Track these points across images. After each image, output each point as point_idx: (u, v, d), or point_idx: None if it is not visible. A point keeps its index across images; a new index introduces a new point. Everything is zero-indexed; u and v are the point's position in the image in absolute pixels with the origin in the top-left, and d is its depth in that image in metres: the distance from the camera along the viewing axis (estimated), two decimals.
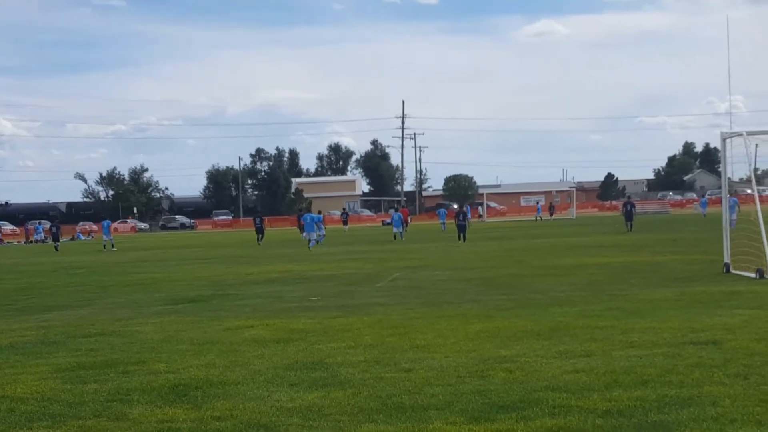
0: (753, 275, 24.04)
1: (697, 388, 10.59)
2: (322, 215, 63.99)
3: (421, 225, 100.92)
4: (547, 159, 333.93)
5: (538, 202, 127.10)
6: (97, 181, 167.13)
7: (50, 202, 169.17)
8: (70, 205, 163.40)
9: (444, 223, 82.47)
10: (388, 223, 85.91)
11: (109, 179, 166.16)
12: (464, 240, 55.93)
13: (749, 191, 28.01)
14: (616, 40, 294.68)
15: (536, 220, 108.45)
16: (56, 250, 70.68)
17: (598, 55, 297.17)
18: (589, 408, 9.87)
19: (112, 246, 69.47)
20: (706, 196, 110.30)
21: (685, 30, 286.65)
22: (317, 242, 56.39)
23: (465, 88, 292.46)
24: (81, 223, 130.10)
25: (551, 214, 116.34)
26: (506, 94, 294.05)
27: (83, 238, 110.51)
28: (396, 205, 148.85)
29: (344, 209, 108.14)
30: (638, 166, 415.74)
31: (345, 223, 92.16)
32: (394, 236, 64.50)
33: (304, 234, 57.07)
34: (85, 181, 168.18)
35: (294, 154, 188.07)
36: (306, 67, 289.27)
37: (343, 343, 15.21)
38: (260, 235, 66.96)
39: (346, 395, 11.05)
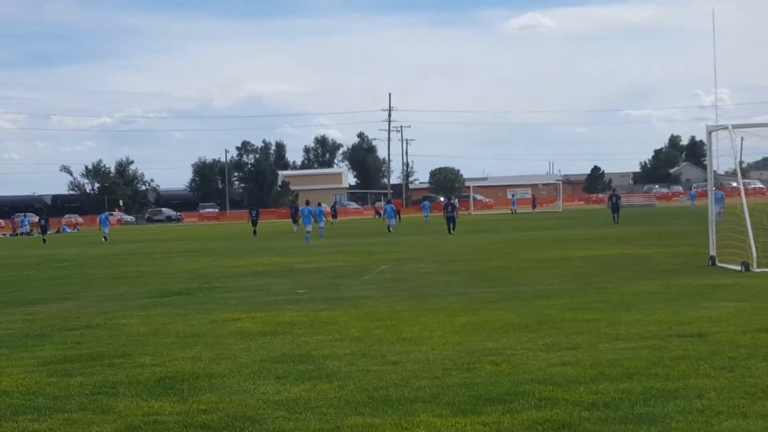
0: (738, 268, 24.10)
1: (683, 380, 10.61)
2: (323, 208, 63.74)
3: (407, 218, 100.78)
4: (533, 152, 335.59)
5: (513, 195, 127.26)
6: (83, 174, 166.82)
7: (36, 194, 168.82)
8: (55, 197, 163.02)
9: (428, 216, 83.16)
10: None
11: (95, 172, 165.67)
12: (454, 230, 56.18)
13: (735, 184, 28.08)
14: (602, 32, 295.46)
15: (512, 212, 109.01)
16: (44, 242, 70.98)
17: (583, 48, 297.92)
18: (575, 401, 9.88)
19: (105, 238, 69.64)
20: (694, 189, 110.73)
21: (670, 22, 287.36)
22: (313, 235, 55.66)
23: (452, 81, 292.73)
24: (66, 216, 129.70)
25: (534, 207, 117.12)
26: (493, 87, 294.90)
27: (69, 230, 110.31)
28: (383, 198, 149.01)
29: (334, 203, 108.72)
30: (624, 159, 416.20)
31: (334, 216, 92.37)
32: (388, 228, 64.91)
33: (301, 227, 56.12)
34: (70, 173, 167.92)
35: (280, 147, 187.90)
36: (292, 59, 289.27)
37: (329, 336, 15.20)
38: (254, 228, 67.37)
39: (332, 388, 11.04)
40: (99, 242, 67.02)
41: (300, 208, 60.60)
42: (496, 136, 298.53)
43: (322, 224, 59.26)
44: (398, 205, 75.11)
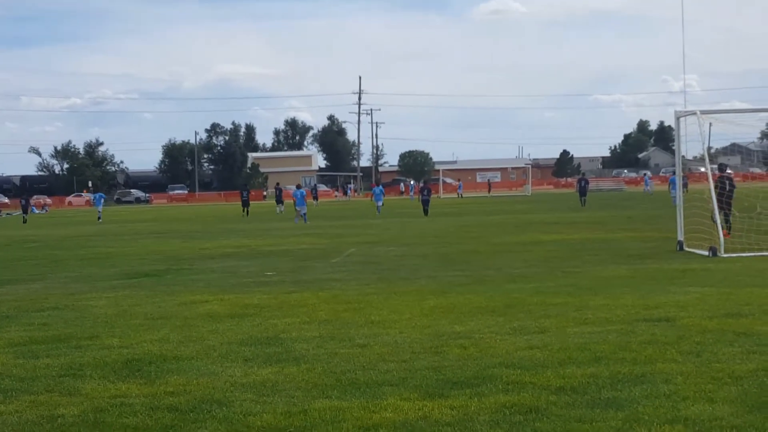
0: (706, 253, 24.21)
1: (650, 365, 10.65)
2: (304, 190, 64.04)
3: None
4: (503, 136, 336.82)
5: (459, 180, 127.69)
6: (52, 155, 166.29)
7: (4, 175, 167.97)
8: (24, 178, 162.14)
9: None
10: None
11: (64, 153, 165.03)
12: (427, 214, 56.88)
13: (703, 169, 28.19)
14: (572, 18, 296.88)
15: (458, 197, 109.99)
16: (24, 222, 71.30)
17: (554, 33, 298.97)
18: (542, 384, 9.90)
19: (99, 218, 70.15)
20: (649, 174, 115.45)
21: (639, 9, 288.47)
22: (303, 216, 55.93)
23: (422, 64, 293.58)
24: (35, 197, 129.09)
25: (489, 191, 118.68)
26: (463, 71, 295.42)
27: (37, 211, 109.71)
28: (352, 180, 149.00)
29: (314, 185, 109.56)
30: (594, 143, 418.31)
31: (315, 198, 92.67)
32: (378, 209, 65.31)
33: (297, 208, 57.09)
34: (39, 154, 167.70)
35: (250, 129, 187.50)
36: (263, 42, 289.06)
37: (297, 319, 15.18)
38: (246, 208, 67.86)
39: (300, 371, 11.02)
40: (67, 223, 66.86)
41: (294, 192, 60.76)
42: (465, 120, 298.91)
43: (303, 210, 58.67)
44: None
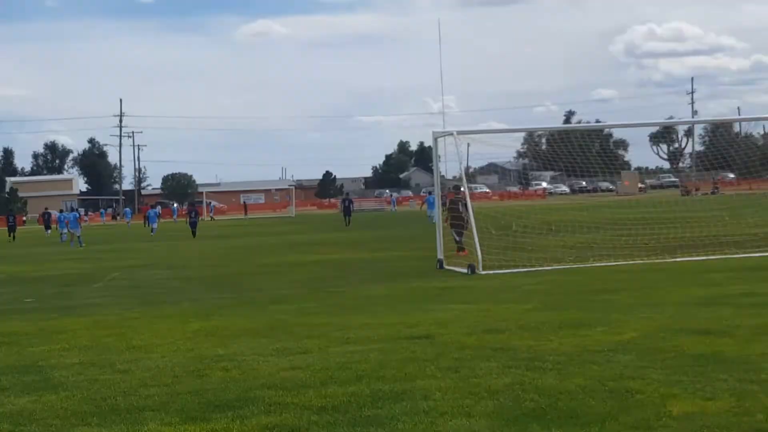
0: (465, 271, 24.77)
1: (410, 382, 10.82)
2: (78, 213, 62.95)
3: (136, 225, 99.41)
4: (267, 157, 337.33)
5: (210, 203, 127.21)
6: None
7: None
8: None
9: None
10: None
11: None
12: (194, 236, 57.98)
13: (462, 189, 28.91)
14: (334, 39, 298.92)
15: (211, 219, 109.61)
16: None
17: (316, 54, 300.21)
18: (304, 404, 9.94)
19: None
20: (394, 195, 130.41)
21: (398, 31, 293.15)
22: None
23: (185, 86, 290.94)
24: None
25: (245, 213, 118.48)
26: (226, 93, 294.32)
27: None
28: (114, 204, 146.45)
29: (76, 209, 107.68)
30: (356, 164, 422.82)
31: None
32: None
33: (55, 232, 57.45)
34: None
35: (8, 153, 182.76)
36: (19, 63, 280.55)
37: (57, 345, 14.83)
38: (12, 233, 67.35)
39: (59, 398, 10.78)
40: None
41: (62, 215, 60.39)
42: (230, 142, 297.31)
43: (79, 232, 56.67)
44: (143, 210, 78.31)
